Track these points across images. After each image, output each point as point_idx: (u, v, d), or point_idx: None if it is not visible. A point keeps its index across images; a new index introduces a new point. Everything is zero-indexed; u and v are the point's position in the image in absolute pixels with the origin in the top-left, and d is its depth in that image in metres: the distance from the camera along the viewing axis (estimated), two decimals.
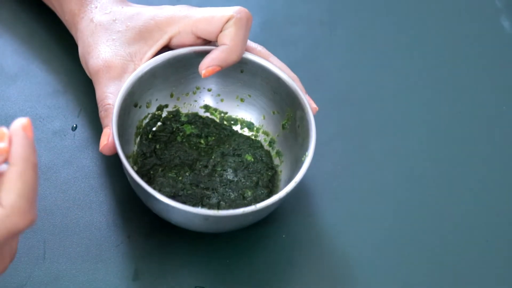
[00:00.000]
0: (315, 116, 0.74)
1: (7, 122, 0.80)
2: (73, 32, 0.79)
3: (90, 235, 0.73)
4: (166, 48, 0.75)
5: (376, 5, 0.93)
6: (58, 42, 0.86)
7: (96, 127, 0.80)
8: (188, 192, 0.73)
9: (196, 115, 0.78)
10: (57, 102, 0.81)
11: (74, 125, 0.80)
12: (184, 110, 0.78)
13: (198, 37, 0.73)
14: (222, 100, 0.78)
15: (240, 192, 0.73)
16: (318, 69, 0.87)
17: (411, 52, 0.89)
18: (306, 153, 0.69)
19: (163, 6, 0.75)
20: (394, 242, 0.74)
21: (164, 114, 0.77)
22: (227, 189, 0.73)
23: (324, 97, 0.84)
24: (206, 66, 0.71)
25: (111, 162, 0.77)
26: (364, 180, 0.78)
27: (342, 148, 0.80)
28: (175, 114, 0.77)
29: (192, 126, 0.77)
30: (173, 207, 0.66)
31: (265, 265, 0.72)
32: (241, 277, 0.71)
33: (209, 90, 0.77)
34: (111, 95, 0.72)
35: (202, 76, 0.72)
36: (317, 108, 0.74)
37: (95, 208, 0.74)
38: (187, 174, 0.74)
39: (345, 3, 0.93)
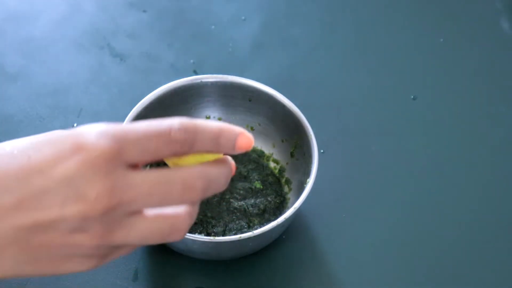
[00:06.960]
0: (315, 117, 0.73)
1: (7, 122, 0.80)
2: None
3: None
4: None
5: (376, 5, 0.93)
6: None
7: None
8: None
9: None
10: (57, 102, 0.81)
11: (74, 125, 0.80)
12: None
13: None
14: None
15: (246, 220, 0.73)
16: (318, 70, 0.87)
17: (411, 53, 0.89)
18: (308, 180, 0.69)
19: None
20: (395, 244, 0.74)
21: None
22: (233, 217, 0.73)
23: (324, 97, 0.84)
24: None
25: None
26: (364, 181, 0.78)
27: (342, 149, 0.80)
28: None
29: None
30: None
31: (265, 265, 0.72)
32: (241, 277, 0.71)
33: (219, 119, 0.78)
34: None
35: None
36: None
37: None
38: None
39: (345, 3, 0.93)
